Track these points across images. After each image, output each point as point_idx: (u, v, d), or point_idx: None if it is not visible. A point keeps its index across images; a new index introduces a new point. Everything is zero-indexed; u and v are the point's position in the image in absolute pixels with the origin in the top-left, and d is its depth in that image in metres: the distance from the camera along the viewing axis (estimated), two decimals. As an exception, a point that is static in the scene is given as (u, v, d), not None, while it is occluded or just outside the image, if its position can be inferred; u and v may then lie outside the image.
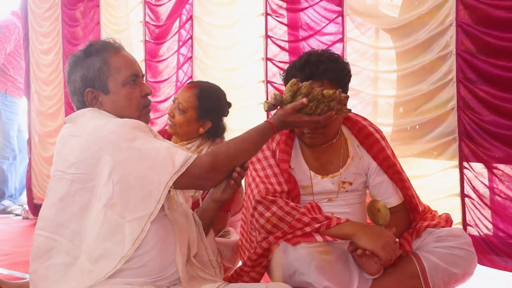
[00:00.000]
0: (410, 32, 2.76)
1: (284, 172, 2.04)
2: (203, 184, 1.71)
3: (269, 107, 1.79)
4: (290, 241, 1.89)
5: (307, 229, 1.89)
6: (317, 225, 1.90)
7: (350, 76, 2.08)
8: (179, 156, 1.61)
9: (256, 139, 1.76)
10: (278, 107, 1.83)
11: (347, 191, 2.09)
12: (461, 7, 2.58)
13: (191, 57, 3.74)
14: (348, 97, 1.99)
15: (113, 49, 1.76)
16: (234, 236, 2.47)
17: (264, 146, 2.06)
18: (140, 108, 1.76)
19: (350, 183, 2.09)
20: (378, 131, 2.15)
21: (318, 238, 1.88)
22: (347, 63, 2.08)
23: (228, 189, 1.79)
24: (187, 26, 3.77)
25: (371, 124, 2.17)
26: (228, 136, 2.92)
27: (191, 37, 3.74)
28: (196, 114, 2.41)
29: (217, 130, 2.47)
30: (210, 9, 3.68)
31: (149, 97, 1.83)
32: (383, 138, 2.16)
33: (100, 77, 1.72)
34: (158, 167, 1.59)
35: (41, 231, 1.67)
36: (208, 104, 2.41)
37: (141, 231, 1.58)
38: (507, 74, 2.48)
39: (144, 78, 3.84)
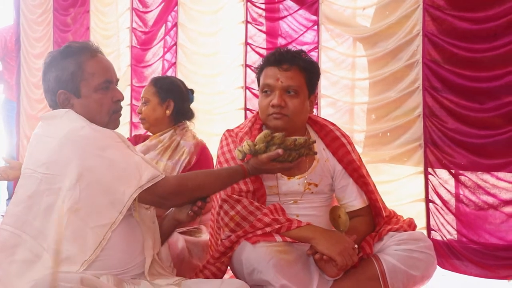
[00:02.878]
0: (380, 41, 2.85)
1: None
2: (163, 203, 1.79)
3: (243, 156, 1.89)
4: (250, 240, 1.94)
5: (268, 229, 1.94)
6: (277, 226, 1.94)
7: (319, 74, 2.17)
8: (147, 172, 1.68)
9: (225, 178, 1.84)
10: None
11: (312, 192, 2.14)
12: (428, 18, 2.66)
13: (175, 63, 3.84)
14: (315, 141, 2.06)
15: (89, 52, 1.78)
16: (205, 235, 2.53)
17: (232, 146, 2.12)
18: (110, 114, 1.79)
19: (316, 185, 2.14)
20: (345, 135, 2.21)
21: (278, 238, 1.93)
22: (316, 63, 2.19)
23: (188, 216, 1.88)
24: (172, 33, 3.87)
25: (338, 129, 2.23)
26: (210, 140, 3.01)
27: (175, 44, 3.84)
28: (158, 99, 2.57)
29: (183, 110, 2.59)
30: (194, 16, 3.79)
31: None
32: (350, 143, 2.21)
33: (73, 80, 1.74)
34: (125, 179, 1.65)
35: (6, 226, 1.71)
36: (164, 84, 2.60)
37: (102, 238, 1.64)
38: (470, 83, 2.56)
39: (130, 83, 4.02)
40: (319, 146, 2.19)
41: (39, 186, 1.66)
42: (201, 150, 2.57)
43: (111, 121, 1.80)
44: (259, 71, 2.14)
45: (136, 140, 2.76)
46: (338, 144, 2.17)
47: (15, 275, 1.64)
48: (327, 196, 2.21)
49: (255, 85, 3.39)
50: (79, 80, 1.76)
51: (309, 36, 3.15)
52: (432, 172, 2.68)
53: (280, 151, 1.85)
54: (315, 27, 3.10)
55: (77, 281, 1.50)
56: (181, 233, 2.46)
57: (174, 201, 1.78)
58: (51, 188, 1.65)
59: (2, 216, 4.91)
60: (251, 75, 3.42)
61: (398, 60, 2.77)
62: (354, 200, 2.17)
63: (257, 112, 2.18)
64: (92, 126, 1.71)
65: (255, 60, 3.40)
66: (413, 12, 2.72)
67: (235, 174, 1.85)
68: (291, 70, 2.03)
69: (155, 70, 4.00)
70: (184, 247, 2.36)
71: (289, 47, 3.17)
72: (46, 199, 1.65)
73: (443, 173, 2.67)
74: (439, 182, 2.65)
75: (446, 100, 2.61)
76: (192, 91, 2.66)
